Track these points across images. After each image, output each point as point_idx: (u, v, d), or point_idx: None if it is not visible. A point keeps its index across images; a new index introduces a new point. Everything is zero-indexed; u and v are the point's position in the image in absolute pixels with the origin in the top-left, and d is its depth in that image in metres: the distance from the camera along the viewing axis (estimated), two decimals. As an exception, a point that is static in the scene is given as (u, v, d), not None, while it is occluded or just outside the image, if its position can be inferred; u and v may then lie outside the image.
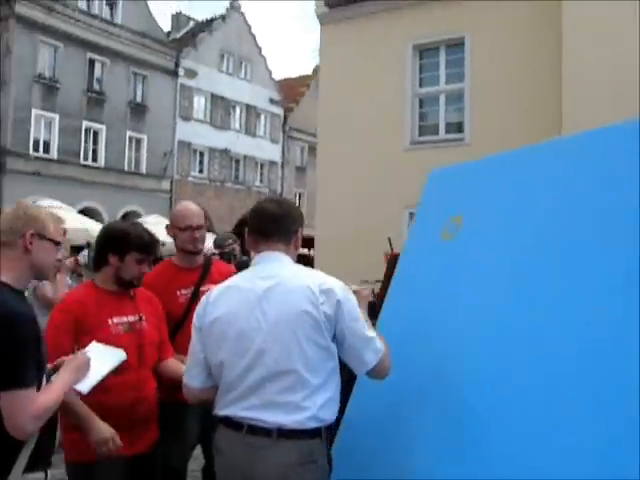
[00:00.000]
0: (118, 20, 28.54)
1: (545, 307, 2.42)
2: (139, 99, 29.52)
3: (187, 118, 31.48)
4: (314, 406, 2.32)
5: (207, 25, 32.92)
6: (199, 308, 2.56)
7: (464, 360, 2.60)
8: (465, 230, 3.06)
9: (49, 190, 23.17)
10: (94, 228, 18.85)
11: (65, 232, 2.48)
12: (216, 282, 3.10)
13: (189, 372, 2.57)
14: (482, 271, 2.81)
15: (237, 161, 34.11)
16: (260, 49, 35.05)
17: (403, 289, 3.26)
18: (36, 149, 25.84)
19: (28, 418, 2.09)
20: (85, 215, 22.34)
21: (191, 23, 33.78)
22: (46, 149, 26.25)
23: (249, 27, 34.56)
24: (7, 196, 23.78)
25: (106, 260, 3.00)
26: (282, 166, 36.28)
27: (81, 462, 2.83)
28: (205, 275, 3.57)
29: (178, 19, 33.93)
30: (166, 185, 30.81)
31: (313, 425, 2.33)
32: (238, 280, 2.57)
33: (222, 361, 2.43)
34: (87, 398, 2.62)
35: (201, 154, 32.44)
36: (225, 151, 33.15)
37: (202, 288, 3.34)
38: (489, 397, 2.40)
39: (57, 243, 2.39)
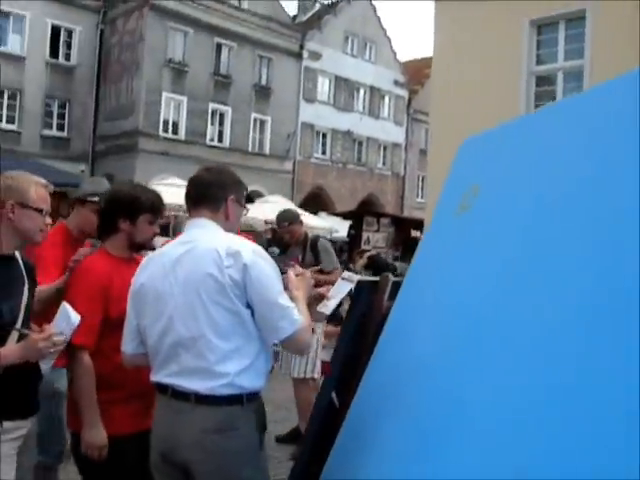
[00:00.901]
0: (245, 5, 29.33)
1: (550, 298, 2.06)
2: (264, 81, 30.24)
3: (311, 100, 31.88)
4: (230, 373, 2.30)
5: (332, 7, 33.08)
6: (135, 275, 2.58)
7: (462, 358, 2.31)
8: (479, 201, 2.84)
9: (176, 169, 24.26)
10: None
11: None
12: None
13: (124, 338, 2.59)
14: (485, 251, 2.54)
15: (360, 143, 34.16)
16: (385, 30, 34.79)
17: (418, 272, 3.10)
18: (165, 130, 27.18)
19: None
20: (210, 194, 23.25)
21: (317, 6, 34.06)
22: (174, 130, 27.54)
23: (374, 8, 34.37)
24: (139, 174, 25.22)
25: (116, 226, 2.95)
26: (405, 149, 35.93)
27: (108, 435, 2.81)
28: None
29: (304, 2, 34.32)
30: (289, 166, 31.40)
31: (229, 392, 2.31)
32: (166, 247, 2.60)
33: (144, 326, 2.48)
34: (105, 367, 2.72)
35: (324, 136, 32.77)
36: (348, 133, 33.29)
37: None
38: (491, 392, 2.08)
39: (40, 210, 2.50)
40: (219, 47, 28.50)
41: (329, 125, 32.60)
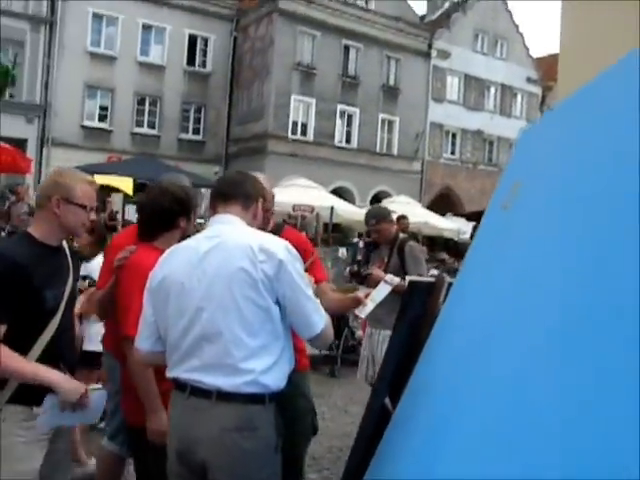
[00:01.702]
0: (372, 6, 29.57)
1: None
2: (392, 82, 30.26)
3: (439, 99, 31.52)
4: (255, 370, 2.26)
5: (461, 5, 32.59)
6: (152, 270, 2.55)
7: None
8: (518, 200, 2.48)
9: (305, 170, 24.80)
10: (340, 207, 19.86)
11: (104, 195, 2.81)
12: None
13: (140, 335, 2.53)
14: (521, 254, 2.15)
15: (490, 142, 33.31)
16: (517, 26, 33.80)
17: (464, 273, 2.81)
18: (294, 132, 27.82)
19: None
20: (338, 195, 23.58)
21: (446, 4, 33.70)
22: (303, 132, 28.13)
23: (505, 4, 33.51)
24: (268, 175, 25.94)
25: (174, 224, 3.10)
26: (540, 147, 34.57)
27: (140, 425, 2.90)
28: None
29: (433, 1, 34.08)
30: (417, 166, 31.16)
31: (252, 390, 2.26)
32: (188, 241, 2.56)
33: (166, 322, 2.43)
34: None
35: (453, 135, 32.27)
36: (478, 132, 32.59)
37: None
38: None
39: (84, 207, 2.63)
40: (347, 49, 28.86)
41: (459, 125, 32.07)
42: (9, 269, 2.41)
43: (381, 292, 3.23)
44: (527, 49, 34.21)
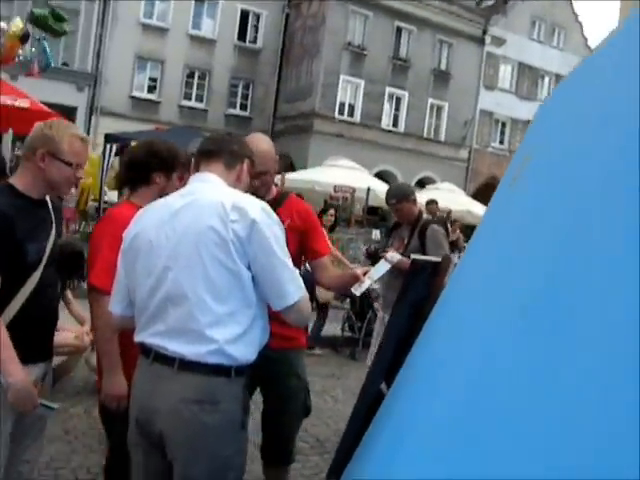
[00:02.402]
0: (427, -12, 29.08)
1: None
2: (443, 67, 29.80)
3: (491, 87, 30.94)
4: (220, 338, 2.08)
5: (519, -9, 31.85)
6: (126, 230, 2.38)
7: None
8: (524, 174, 2.24)
9: (349, 151, 24.66)
10: (382, 190, 19.60)
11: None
12: (283, 219, 2.95)
13: (112, 298, 2.38)
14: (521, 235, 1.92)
15: (541, 133, 32.59)
16: (576, 15, 32.94)
17: (469, 252, 2.57)
18: (341, 112, 27.64)
19: None
20: (381, 179, 23.37)
21: (504, -10, 32.96)
22: (350, 113, 27.93)
23: (566, -9, 32.67)
24: (312, 154, 25.91)
25: (150, 179, 2.93)
26: (592, 141, 33.76)
27: None
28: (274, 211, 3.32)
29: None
30: (464, 154, 30.72)
31: (217, 360, 2.09)
32: (163, 199, 2.40)
33: (134, 282, 2.27)
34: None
35: (503, 124, 31.68)
36: (529, 122, 31.78)
37: None
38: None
39: (70, 164, 2.49)
40: (399, 31, 28.48)
41: (509, 114, 31.45)
42: None
43: (379, 270, 3.09)
44: (585, 39, 33.29)
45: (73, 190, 9.92)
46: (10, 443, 2.49)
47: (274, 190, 3.28)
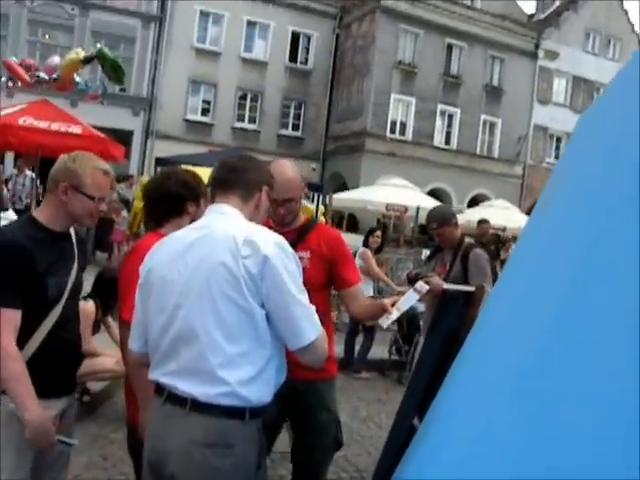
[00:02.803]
0: (478, 4, 28.93)
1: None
2: (495, 82, 29.50)
3: (545, 102, 30.47)
4: (232, 380, 2.00)
5: (573, 3, 31.34)
6: (142, 264, 2.32)
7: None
8: (554, 200, 2.04)
9: (401, 170, 24.62)
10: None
11: (112, 184, 2.66)
12: (311, 249, 3.02)
13: (131, 334, 2.32)
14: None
15: (598, 147, 31.88)
16: (633, 26, 32.21)
17: (504, 275, 2.30)
18: (392, 131, 27.60)
19: None
20: (434, 197, 23.24)
21: (557, 3, 32.49)
22: (402, 131, 27.88)
23: (621, 3, 31.97)
24: (364, 173, 25.94)
25: (183, 210, 2.92)
26: (652, 154, 32.85)
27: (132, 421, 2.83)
28: (299, 240, 3.09)
29: (543, 0, 32.98)
30: (518, 170, 30.28)
31: (229, 402, 2.01)
32: (177, 232, 2.33)
33: (148, 318, 2.21)
34: None
35: (558, 139, 31.09)
36: (585, 136, 31.23)
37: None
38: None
39: (92, 198, 2.50)
40: (449, 47, 28.35)
41: (564, 128, 30.77)
42: (16, 253, 2.35)
43: (408, 301, 2.95)
44: (642, 50, 32.51)
45: (125, 213, 10.16)
46: (31, 478, 2.49)
47: (302, 217, 3.23)
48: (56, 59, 12.39)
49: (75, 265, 2.58)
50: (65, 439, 2.53)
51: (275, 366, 2.10)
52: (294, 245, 2.97)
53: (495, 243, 9.97)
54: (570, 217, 1.76)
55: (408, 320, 7.79)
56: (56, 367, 2.48)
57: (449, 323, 2.80)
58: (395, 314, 2.87)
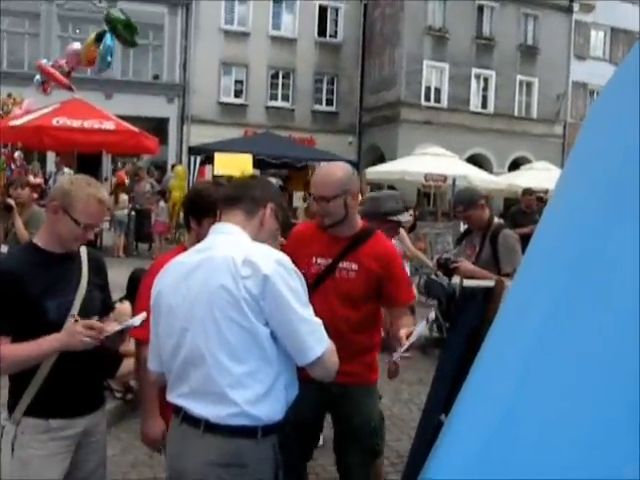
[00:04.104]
0: (508, -38, 28.20)
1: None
2: (530, 41, 28.82)
3: (582, 57, 29.69)
4: (242, 400, 2.02)
5: (607, -47, 30.33)
6: (153, 285, 2.33)
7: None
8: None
9: (438, 138, 24.31)
10: (476, 176, 19.18)
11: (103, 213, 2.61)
12: (359, 263, 2.94)
13: (149, 355, 2.35)
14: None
15: (641, 100, 30.98)
16: (671, -29, 31.07)
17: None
18: (427, 99, 27.28)
19: None
20: (473, 163, 22.94)
21: (590, -46, 31.48)
22: (437, 98, 27.55)
23: (658, -52, 30.81)
24: (401, 144, 25.70)
25: (190, 225, 2.88)
26: (698, 103, 31.80)
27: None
28: (350, 249, 3.00)
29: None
30: (559, 130, 29.64)
31: (241, 422, 2.03)
32: (181, 254, 2.34)
33: (159, 341, 2.26)
34: None
35: (598, 95, 30.25)
36: (627, 90, 30.37)
37: (343, 263, 2.97)
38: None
39: (78, 224, 2.43)
40: (480, 9, 27.76)
41: (604, 83, 29.94)
42: (4, 279, 2.35)
43: (418, 332, 2.81)
44: (683, -5, 31.40)
45: (163, 204, 10.24)
46: None
47: (359, 223, 3.09)
48: (75, 45, 12.46)
49: (83, 283, 2.52)
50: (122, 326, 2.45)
51: (284, 383, 2.12)
52: (344, 255, 2.98)
53: (540, 212, 9.70)
54: (576, 211, 1.69)
55: (447, 297, 7.72)
56: (72, 387, 2.47)
57: (470, 320, 2.73)
58: (405, 346, 2.77)
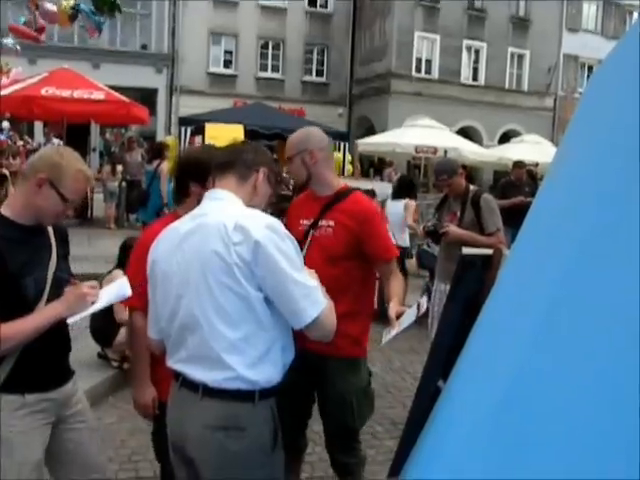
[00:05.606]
0: None
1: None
2: (521, 13, 28.71)
3: (574, 29, 29.58)
4: (238, 365, 2.04)
5: None
6: (149, 252, 2.33)
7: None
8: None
9: (429, 110, 24.22)
10: (466, 148, 19.19)
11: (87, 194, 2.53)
12: (335, 219, 2.95)
13: (149, 323, 2.37)
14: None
15: (632, 73, 30.96)
16: (665, -58, 30.87)
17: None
18: (418, 70, 27.15)
19: None
20: (464, 135, 22.92)
21: None
22: (427, 70, 27.44)
23: None
24: (391, 116, 25.61)
25: (187, 190, 2.83)
26: (689, 77, 31.81)
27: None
28: (328, 207, 3.04)
29: None
30: (549, 102, 29.65)
31: (237, 386, 2.05)
32: (176, 222, 2.31)
33: (156, 308, 2.28)
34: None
35: (590, 68, 30.21)
36: (618, 63, 30.32)
37: (321, 222, 3.02)
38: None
39: (65, 199, 2.34)
40: (473, -20, 27.50)
41: (596, 56, 29.76)
42: None
43: (409, 317, 2.78)
44: (675, -32, 31.25)
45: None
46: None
47: (339, 184, 3.14)
48: (48, 4, 12.00)
49: (53, 256, 2.44)
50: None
51: (281, 346, 2.14)
52: (323, 214, 3.02)
53: (529, 185, 9.64)
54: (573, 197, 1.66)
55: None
56: (49, 360, 2.45)
57: (468, 288, 2.74)
58: (395, 331, 2.76)
